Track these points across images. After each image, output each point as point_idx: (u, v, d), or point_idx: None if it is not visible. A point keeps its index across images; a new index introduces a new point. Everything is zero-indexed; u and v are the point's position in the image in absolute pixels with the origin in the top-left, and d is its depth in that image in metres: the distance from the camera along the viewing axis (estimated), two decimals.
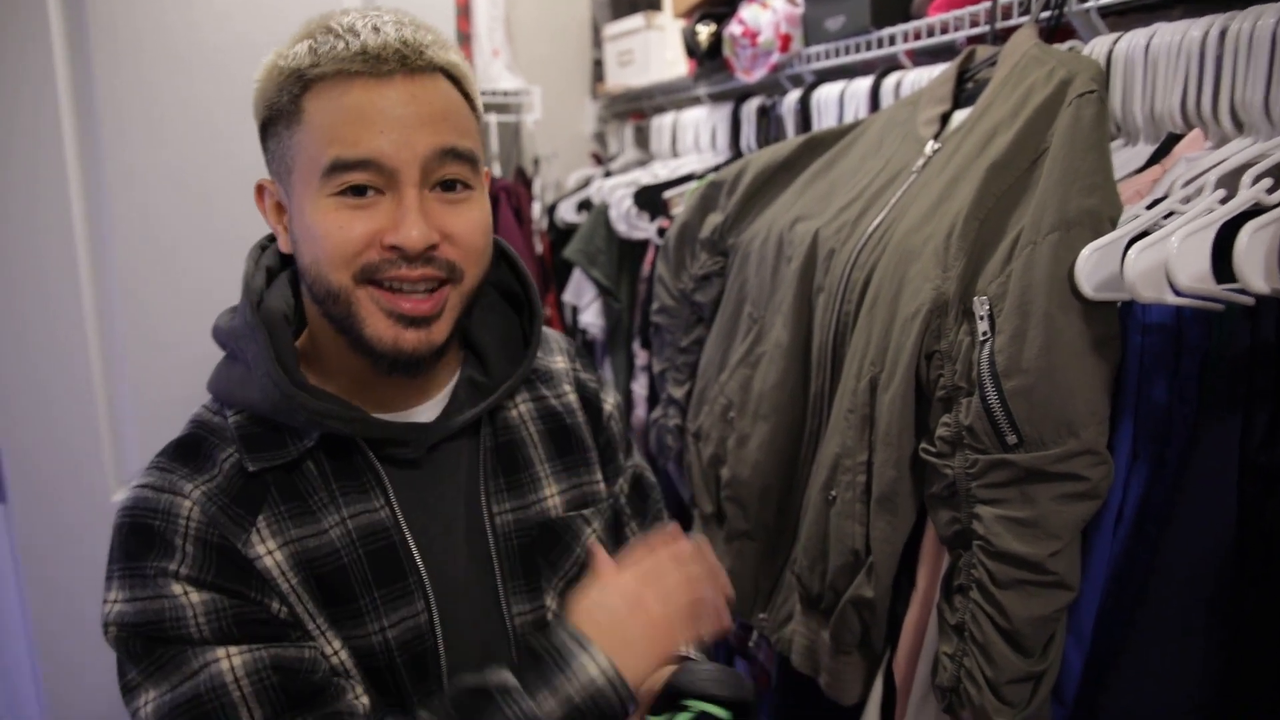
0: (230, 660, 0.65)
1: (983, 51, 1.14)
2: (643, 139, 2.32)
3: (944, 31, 1.24)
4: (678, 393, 1.42)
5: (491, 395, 0.80)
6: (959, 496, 0.86)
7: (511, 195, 2.19)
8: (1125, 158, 0.96)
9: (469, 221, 0.72)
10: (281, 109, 0.70)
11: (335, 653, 0.71)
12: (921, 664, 0.94)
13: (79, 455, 1.49)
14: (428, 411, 0.79)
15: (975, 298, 0.86)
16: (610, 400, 0.94)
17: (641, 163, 2.22)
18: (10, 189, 1.37)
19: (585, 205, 2.11)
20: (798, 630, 1.09)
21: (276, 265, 0.82)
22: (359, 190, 0.68)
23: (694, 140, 1.96)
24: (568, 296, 2.08)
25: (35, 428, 1.42)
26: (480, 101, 0.76)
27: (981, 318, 0.85)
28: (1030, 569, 0.80)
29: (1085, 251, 0.78)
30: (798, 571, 1.09)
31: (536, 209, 2.27)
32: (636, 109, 2.38)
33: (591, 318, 1.99)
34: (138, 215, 1.49)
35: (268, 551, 0.69)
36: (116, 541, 0.70)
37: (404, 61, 0.68)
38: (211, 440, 0.73)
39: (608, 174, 2.23)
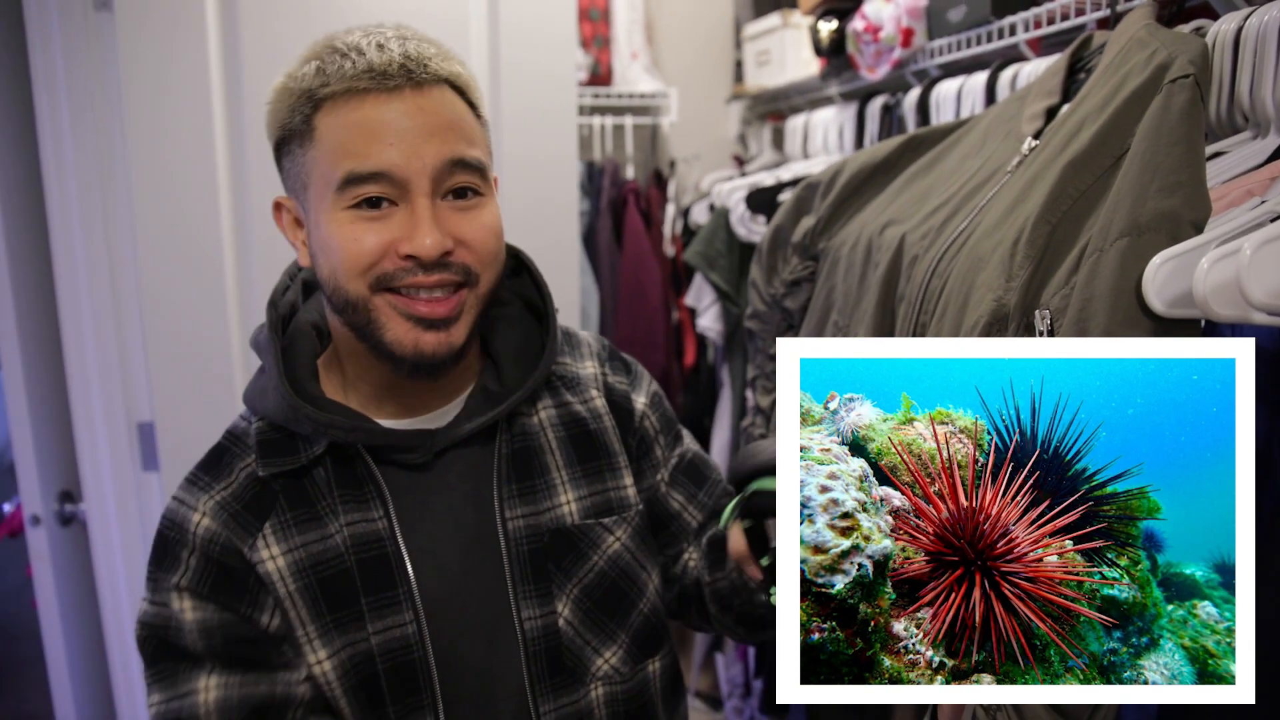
0: (206, 695, 0.71)
1: (1099, 37, 1.01)
2: (780, 140, 2.26)
3: (1064, 18, 1.12)
4: (764, 401, 1.37)
5: (503, 403, 0.81)
6: None
7: (641, 197, 2.20)
8: (1250, 151, 0.82)
9: (481, 227, 0.74)
10: (294, 129, 0.72)
11: (320, 662, 0.74)
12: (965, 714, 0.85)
13: (222, 428, 1.64)
14: (443, 418, 0.81)
15: (1037, 311, 0.77)
16: (642, 398, 0.92)
17: (775, 165, 2.16)
18: (165, 182, 1.54)
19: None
20: None
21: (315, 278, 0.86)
22: (373, 202, 0.70)
23: (823, 141, 1.89)
24: (689, 300, 2.06)
25: (183, 403, 1.58)
26: (485, 108, 0.77)
27: (1042, 333, 0.76)
28: None
29: (1156, 260, 0.67)
30: None
31: (670, 211, 2.26)
32: (775, 110, 2.32)
33: (709, 321, 1.96)
34: None
35: (271, 557, 0.74)
36: (152, 547, 0.77)
37: (409, 76, 0.70)
38: (234, 450, 0.79)
39: (743, 175, 2.19)
